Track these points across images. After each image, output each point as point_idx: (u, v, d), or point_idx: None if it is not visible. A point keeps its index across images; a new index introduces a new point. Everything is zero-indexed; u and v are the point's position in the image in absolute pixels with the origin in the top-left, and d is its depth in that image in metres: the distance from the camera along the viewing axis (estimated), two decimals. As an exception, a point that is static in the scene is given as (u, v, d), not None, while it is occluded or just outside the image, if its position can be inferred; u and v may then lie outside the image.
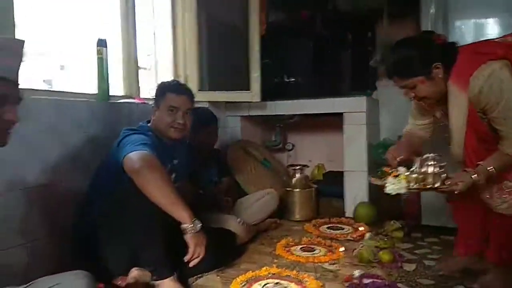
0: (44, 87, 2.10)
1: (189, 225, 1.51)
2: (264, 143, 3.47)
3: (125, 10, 2.45)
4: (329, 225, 2.52)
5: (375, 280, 1.66)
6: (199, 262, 1.57)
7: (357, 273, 1.70)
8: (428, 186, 1.52)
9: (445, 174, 1.52)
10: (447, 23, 2.50)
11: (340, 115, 2.85)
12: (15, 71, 0.99)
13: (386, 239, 2.15)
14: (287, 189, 2.82)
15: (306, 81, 3.06)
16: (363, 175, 2.73)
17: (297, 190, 2.79)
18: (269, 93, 2.98)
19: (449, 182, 1.48)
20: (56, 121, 1.76)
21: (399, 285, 1.63)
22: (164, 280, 1.54)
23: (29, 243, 1.63)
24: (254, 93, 2.87)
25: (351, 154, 2.82)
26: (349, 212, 2.77)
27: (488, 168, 1.42)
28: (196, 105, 2.41)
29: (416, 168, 1.57)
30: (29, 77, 2.07)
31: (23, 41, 1.03)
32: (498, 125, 1.44)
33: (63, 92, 2.02)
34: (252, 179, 2.84)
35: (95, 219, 1.59)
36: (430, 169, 1.53)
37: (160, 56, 2.86)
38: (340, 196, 2.84)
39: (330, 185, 2.96)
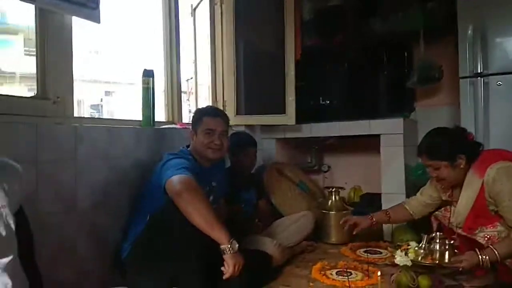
0: (91, 111, 2.28)
1: (227, 246, 1.56)
2: (300, 165, 3.49)
3: (169, 41, 2.64)
4: (366, 249, 2.48)
5: (412, 305, 1.63)
6: (235, 283, 1.62)
7: (394, 298, 1.68)
8: (436, 262, 1.74)
9: (451, 251, 1.74)
10: (486, 43, 2.46)
11: (377, 136, 2.84)
12: None
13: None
14: (323, 211, 2.81)
15: (342, 103, 3.07)
16: (401, 197, 2.67)
17: (333, 212, 2.77)
18: (305, 115, 3.02)
19: (453, 259, 1.68)
20: (106, 147, 1.90)
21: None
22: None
23: (78, 263, 1.74)
24: (289, 116, 2.93)
25: (389, 176, 2.79)
26: (387, 235, 2.72)
27: (496, 253, 1.57)
28: (233, 129, 2.53)
29: (424, 244, 1.81)
30: (79, 102, 2.27)
31: None
32: (509, 214, 1.62)
33: (111, 119, 2.19)
34: (287, 201, 2.86)
35: (137, 240, 1.69)
36: (437, 246, 1.78)
37: (201, 83, 3.01)
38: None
39: (367, 207, 2.92)
